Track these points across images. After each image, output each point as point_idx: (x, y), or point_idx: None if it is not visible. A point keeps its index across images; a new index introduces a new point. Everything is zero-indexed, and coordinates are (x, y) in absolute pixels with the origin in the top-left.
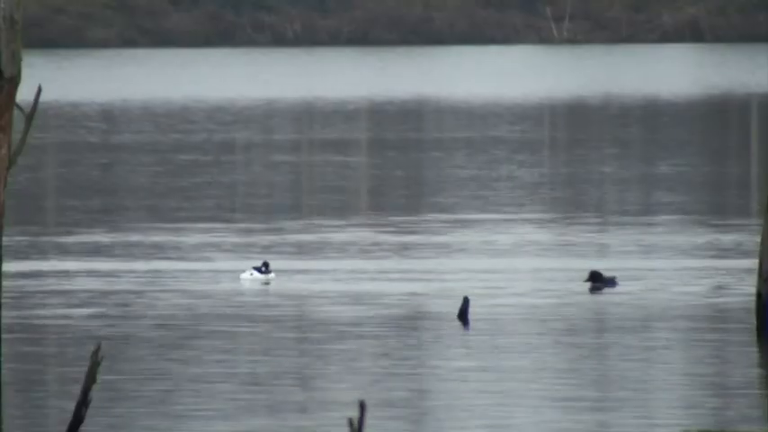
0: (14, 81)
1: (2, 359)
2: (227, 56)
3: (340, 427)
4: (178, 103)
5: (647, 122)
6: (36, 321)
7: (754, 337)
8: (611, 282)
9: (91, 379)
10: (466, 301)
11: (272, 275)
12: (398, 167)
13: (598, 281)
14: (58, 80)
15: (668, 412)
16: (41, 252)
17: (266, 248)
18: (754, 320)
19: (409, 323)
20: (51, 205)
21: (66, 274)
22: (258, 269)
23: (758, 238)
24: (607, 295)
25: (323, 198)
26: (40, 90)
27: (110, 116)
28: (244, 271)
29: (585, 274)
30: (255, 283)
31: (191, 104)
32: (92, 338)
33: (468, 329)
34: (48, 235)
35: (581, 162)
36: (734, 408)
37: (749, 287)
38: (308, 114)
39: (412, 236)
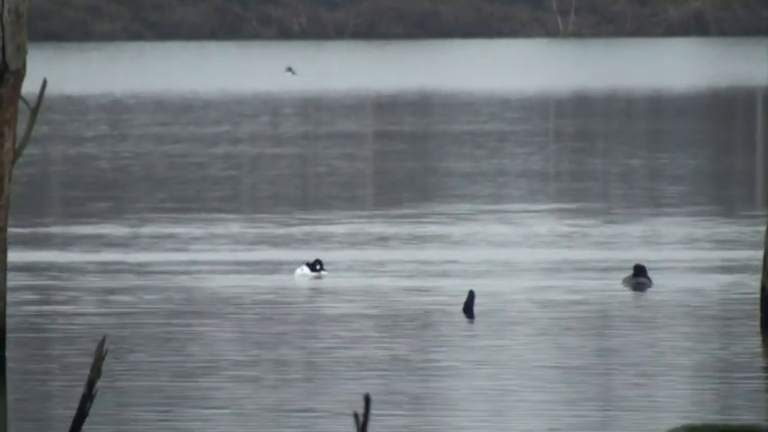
0: (19, 74)
1: (6, 352)
2: (233, 49)
3: (345, 421)
4: (185, 96)
5: (652, 115)
6: (42, 313)
7: (758, 330)
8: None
9: (96, 373)
10: (471, 295)
11: (324, 273)
12: (404, 160)
13: (643, 275)
14: (64, 73)
15: (672, 405)
16: (49, 244)
17: (265, 241)
18: (758, 313)
19: (413, 316)
20: (58, 197)
21: (73, 266)
22: (311, 266)
23: (763, 230)
24: (613, 290)
25: (328, 190)
26: (45, 83)
27: (117, 109)
28: (298, 268)
29: (628, 271)
30: (304, 280)
31: (196, 97)
32: (98, 332)
33: (473, 323)
34: (55, 227)
35: (586, 154)
36: (739, 401)
37: (754, 280)
38: (314, 107)
39: (416, 228)
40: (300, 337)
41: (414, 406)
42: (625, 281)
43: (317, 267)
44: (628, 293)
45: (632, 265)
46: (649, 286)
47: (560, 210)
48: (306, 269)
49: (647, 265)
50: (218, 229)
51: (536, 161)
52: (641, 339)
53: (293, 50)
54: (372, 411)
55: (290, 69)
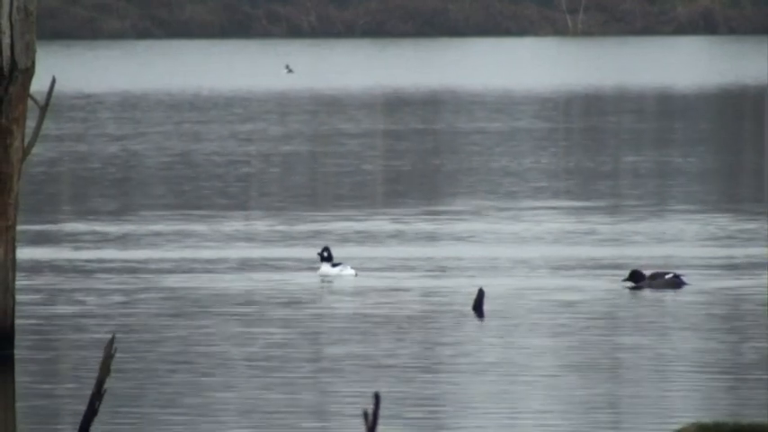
0: (29, 72)
1: (15, 350)
2: (242, 47)
3: (355, 419)
4: (195, 94)
5: (661, 113)
6: (51, 312)
7: (767, 328)
8: (664, 279)
9: (105, 371)
10: (481, 293)
11: (339, 267)
12: (413, 158)
13: (639, 280)
14: (73, 71)
15: (682, 403)
16: (58, 241)
17: (270, 240)
18: (767, 311)
19: (423, 314)
20: (68, 196)
21: (82, 264)
22: (323, 258)
23: None
24: (622, 288)
25: (338, 188)
26: (54, 81)
27: (126, 107)
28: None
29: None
30: (328, 278)
31: (206, 95)
32: (107, 330)
33: (482, 322)
34: (65, 225)
35: (596, 152)
36: (748, 398)
37: (762, 277)
38: (324, 106)
39: (427, 226)
40: (310, 336)
41: (423, 404)
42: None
43: (326, 255)
44: (636, 291)
45: (630, 270)
46: (644, 285)
47: (570, 207)
48: (327, 266)
49: (650, 264)
50: (228, 227)
51: (545, 159)
52: (651, 338)
53: (302, 49)
54: (382, 410)
55: (287, 67)
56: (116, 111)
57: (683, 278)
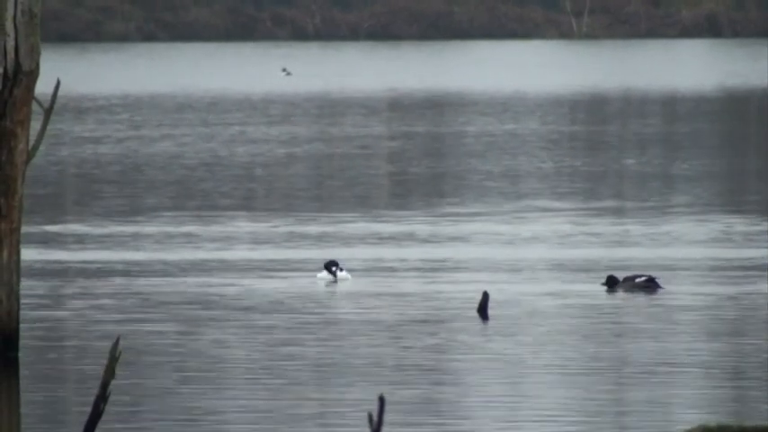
0: (33, 75)
1: (20, 353)
2: (247, 50)
3: (359, 422)
4: (201, 97)
5: (665, 116)
6: (55, 314)
7: None
8: (635, 281)
9: (110, 373)
10: (485, 296)
11: (342, 274)
12: (418, 161)
13: (614, 286)
14: (78, 74)
15: (686, 406)
16: (62, 244)
17: (284, 239)
18: None
19: (428, 317)
20: (72, 198)
21: (87, 266)
22: (327, 269)
23: None
24: (626, 291)
25: (342, 191)
26: (58, 84)
27: (130, 109)
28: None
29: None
30: (324, 282)
31: (211, 97)
32: (112, 332)
33: (487, 325)
34: (68, 227)
35: (600, 155)
36: (752, 401)
37: (764, 279)
38: (328, 108)
39: (431, 229)
40: (314, 339)
41: (427, 407)
42: (628, 288)
43: (334, 269)
44: (641, 295)
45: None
46: (617, 289)
47: (576, 210)
48: (325, 272)
49: (659, 264)
50: (233, 229)
51: (550, 162)
52: (655, 340)
53: (309, 51)
54: (386, 413)
55: (284, 70)
56: (122, 113)
57: (658, 281)
